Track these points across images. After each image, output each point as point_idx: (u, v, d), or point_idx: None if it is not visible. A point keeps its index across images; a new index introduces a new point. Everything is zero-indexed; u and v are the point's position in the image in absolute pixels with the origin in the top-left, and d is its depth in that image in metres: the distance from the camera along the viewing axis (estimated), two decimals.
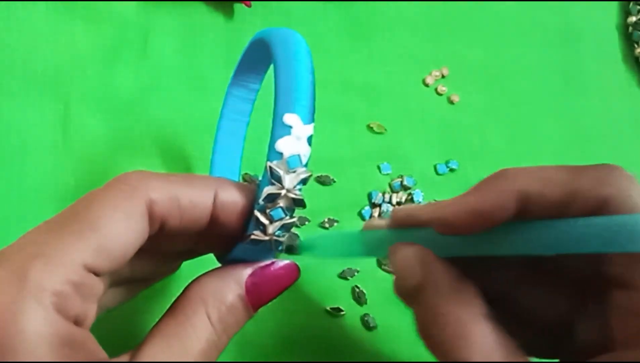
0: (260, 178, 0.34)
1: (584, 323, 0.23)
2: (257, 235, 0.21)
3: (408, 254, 0.22)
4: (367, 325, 0.34)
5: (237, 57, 0.37)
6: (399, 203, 0.37)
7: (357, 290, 0.34)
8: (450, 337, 0.20)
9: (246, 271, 0.22)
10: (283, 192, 0.21)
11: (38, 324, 0.17)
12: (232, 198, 0.22)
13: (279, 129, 0.20)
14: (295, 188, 0.21)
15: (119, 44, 0.35)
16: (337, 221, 0.35)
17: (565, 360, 0.24)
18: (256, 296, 0.22)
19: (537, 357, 0.24)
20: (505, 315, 0.21)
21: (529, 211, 0.21)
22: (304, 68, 0.21)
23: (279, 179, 0.20)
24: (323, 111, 0.38)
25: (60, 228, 0.19)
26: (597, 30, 0.45)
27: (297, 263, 0.24)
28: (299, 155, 0.21)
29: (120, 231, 0.19)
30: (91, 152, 0.33)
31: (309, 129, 0.21)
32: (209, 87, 0.36)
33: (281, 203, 0.21)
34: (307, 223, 0.35)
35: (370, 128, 0.38)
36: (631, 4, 0.44)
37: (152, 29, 0.36)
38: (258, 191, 0.21)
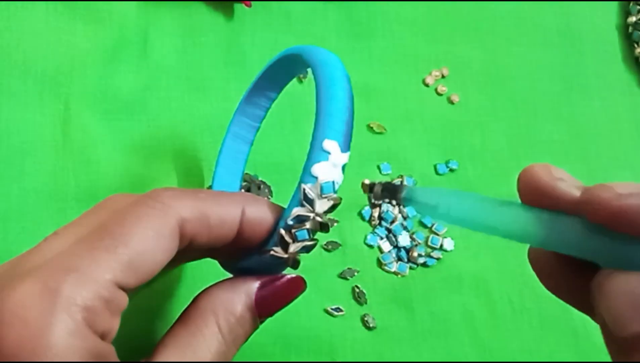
0: (259, 181, 0.34)
1: None
2: (277, 251, 0.22)
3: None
4: (367, 325, 0.34)
5: (237, 57, 0.37)
6: (399, 203, 0.37)
7: (357, 290, 0.34)
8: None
9: (256, 284, 0.23)
10: (312, 215, 0.21)
11: (69, 339, 0.18)
12: (260, 215, 0.22)
13: (317, 153, 0.21)
14: (324, 213, 0.21)
15: (119, 44, 0.35)
16: (337, 221, 0.35)
17: None
18: (264, 308, 0.23)
19: None
20: None
21: None
22: (347, 96, 0.22)
23: (310, 203, 0.21)
24: None
25: (92, 243, 0.19)
26: (597, 30, 0.45)
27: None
28: (333, 182, 0.21)
29: (151, 249, 0.20)
30: (91, 152, 0.33)
31: (345, 158, 0.21)
32: (209, 87, 0.36)
33: (308, 225, 0.21)
34: None
35: (370, 128, 0.38)
36: (631, 4, 0.44)
37: (152, 29, 0.36)
38: (286, 210, 0.21)
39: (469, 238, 0.37)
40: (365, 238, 0.36)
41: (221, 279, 0.23)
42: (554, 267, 0.22)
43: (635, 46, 0.44)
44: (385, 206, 0.36)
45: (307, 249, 0.22)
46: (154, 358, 0.21)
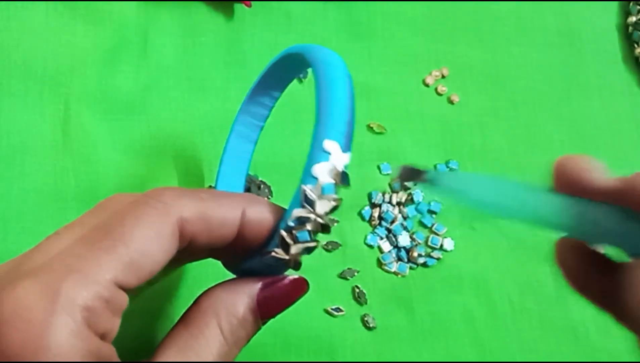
0: (259, 181, 0.34)
1: None
2: (278, 253, 0.21)
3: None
4: (367, 325, 0.34)
5: (237, 57, 0.37)
6: (399, 203, 0.37)
7: (357, 290, 0.34)
8: None
9: (258, 285, 0.23)
10: (313, 217, 0.21)
11: (70, 339, 0.18)
12: (260, 216, 0.22)
13: (318, 154, 0.21)
14: (325, 215, 0.21)
15: (119, 44, 0.35)
16: (337, 221, 0.35)
17: None
18: (267, 310, 0.23)
19: None
20: None
21: None
22: (347, 95, 0.22)
23: (311, 204, 0.21)
24: None
25: (93, 243, 0.19)
26: (597, 30, 0.45)
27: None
28: (333, 183, 0.21)
29: (152, 249, 0.20)
30: (91, 152, 0.33)
31: (346, 158, 0.21)
32: (209, 87, 0.36)
33: (309, 226, 0.21)
34: None
35: (370, 128, 0.38)
36: (631, 4, 0.44)
37: (152, 29, 0.36)
38: (287, 211, 0.21)
39: (469, 238, 0.37)
40: (365, 238, 0.36)
41: (223, 280, 0.23)
42: (581, 267, 0.22)
43: (635, 46, 0.44)
44: (385, 206, 0.36)
45: (308, 250, 0.22)
46: (155, 359, 0.21)
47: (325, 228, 0.22)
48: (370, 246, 0.36)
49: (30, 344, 0.17)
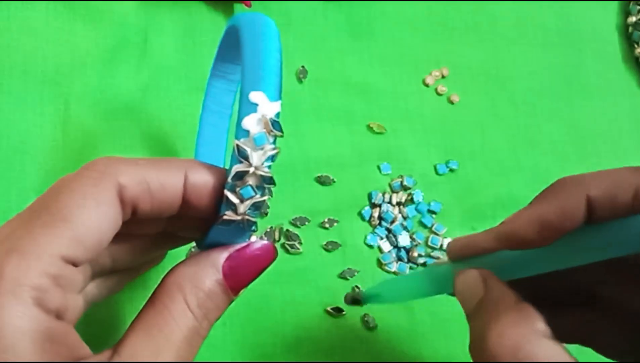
0: None
1: None
2: (229, 215, 0.21)
3: (470, 275, 0.24)
4: (367, 325, 0.34)
5: None
6: (399, 203, 0.37)
7: (357, 290, 0.34)
8: (510, 354, 0.20)
9: (223, 255, 0.22)
10: (251, 170, 0.20)
11: (18, 320, 0.17)
12: (203, 179, 0.21)
13: (245, 107, 0.20)
14: (264, 166, 0.21)
15: (119, 43, 0.35)
16: (337, 221, 0.35)
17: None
18: (235, 280, 0.22)
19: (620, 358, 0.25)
20: (592, 310, 0.21)
21: (597, 217, 0.21)
22: (270, 46, 0.21)
23: (246, 157, 0.20)
24: (323, 111, 0.38)
25: (32, 221, 0.19)
26: (597, 30, 0.45)
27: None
28: (264, 132, 0.20)
29: (93, 219, 0.19)
30: (91, 152, 0.33)
31: (275, 107, 0.21)
32: None
33: (250, 181, 0.21)
34: (307, 223, 0.35)
35: (370, 128, 0.38)
36: (631, 4, 0.44)
37: (152, 29, 0.36)
38: (227, 170, 0.21)
39: None
40: (365, 238, 0.36)
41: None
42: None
43: (635, 46, 0.44)
44: (385, 206, 0.36)
45: (257, 207, 0.21)
46: (123, 342, 0.20)
47: (267, 180, 0.21)
48: (370, 246, 0.36)
49: None
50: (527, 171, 0.40)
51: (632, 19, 0.44)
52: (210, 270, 0.22)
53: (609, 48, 0.45)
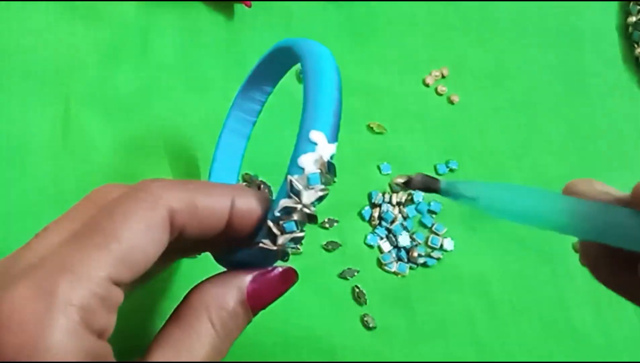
0: (259, 181, 0.34)
1: None
2: (266, 243, 0.21)
3: None
4: (367, 325, 0.34)
5: (237, 57, 0.37)
6: (399, 203, 0.37)
7: (357, 290, 0.34)
8: None
9: (247, 278, 0.23)
10: (299, 207, 0.21)
11: (66, 340, 0.17)
12: (249, 206, 0.22)
13: (304, 144, 0.21)
14: (312, 205, 0.21)
15: (119, 43, 0.35)
16: (337, 221, 0.35)
17: None
18: (256, 301, 0.23)
19: None
20: None
21: None
22: (334, 86, 0.22)
23: (297, 194, 0.21)
24: None
25: (84, 241, 0.19)
26: (597, 30, 0.44)
27: (296, 265, 0.24)
28: (319, 173, 0.21)
29: (143, 242, 0.20)
30: (91, 152, 0.33)
31: (332, 148, 0.21)
32: (209, 87, 0.36)
33: (295, 216, 0.21)
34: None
35: (370, 128, 0.38)
36: (631, 4, 0.44)
37: (152, 29, 0.36)
38: (274, 201, 0.21)
39: (469, 238, 0.37)
40: (365, 238, 0.36)
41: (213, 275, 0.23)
42: (604, 259, 0.23)
43: (635, 46, 0.44)
44: (385, 206, 0.36)
45: (295, 241, 0.22)
46: (148, 358, 0.20)
47: (311, 218, 0.21)
48: (370, 246, 0.36)
49: (27, 347, 0.17)
50: (527, 171, 0.40)
51: (632, 19, 0.44)
52: (235, 292, 0.22)
53: (609, 48, 0.44)
